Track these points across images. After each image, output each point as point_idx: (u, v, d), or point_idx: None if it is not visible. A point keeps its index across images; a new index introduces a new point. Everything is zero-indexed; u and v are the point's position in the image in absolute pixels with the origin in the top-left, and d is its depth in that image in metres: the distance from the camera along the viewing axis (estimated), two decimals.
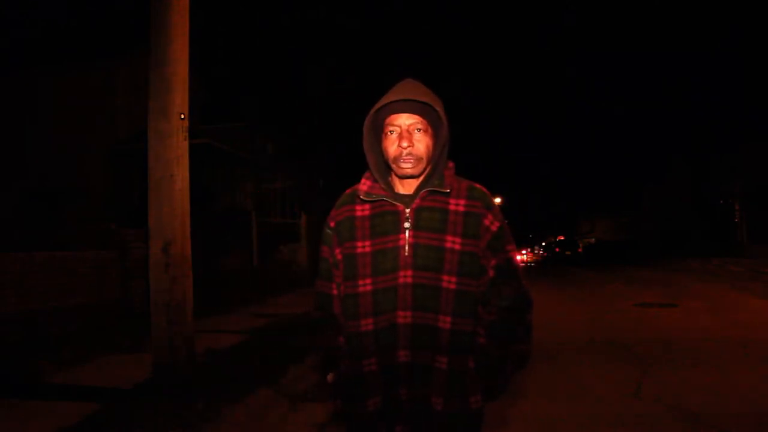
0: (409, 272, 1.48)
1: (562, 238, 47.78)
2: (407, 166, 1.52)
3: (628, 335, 6.55)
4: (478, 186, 1.61)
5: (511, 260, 1.58)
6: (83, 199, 14.54)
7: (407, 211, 1.53)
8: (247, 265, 13.79)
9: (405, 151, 1.51)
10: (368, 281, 1.51)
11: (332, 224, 1.63)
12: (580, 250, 36.76)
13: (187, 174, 4.47)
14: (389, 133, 1.55)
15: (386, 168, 1.61)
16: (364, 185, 1.61)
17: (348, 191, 1.67)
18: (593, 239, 43.82)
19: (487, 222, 1.55)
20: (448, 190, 1.55)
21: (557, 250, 40.05)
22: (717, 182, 26.20)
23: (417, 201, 1.54)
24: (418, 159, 1.53)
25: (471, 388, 1.49)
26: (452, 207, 1.54)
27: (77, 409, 3.88)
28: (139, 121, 7.32)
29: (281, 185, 19.02)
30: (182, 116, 4.41)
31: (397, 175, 1.58)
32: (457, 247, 1.50)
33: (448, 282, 1.48)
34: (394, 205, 1.55)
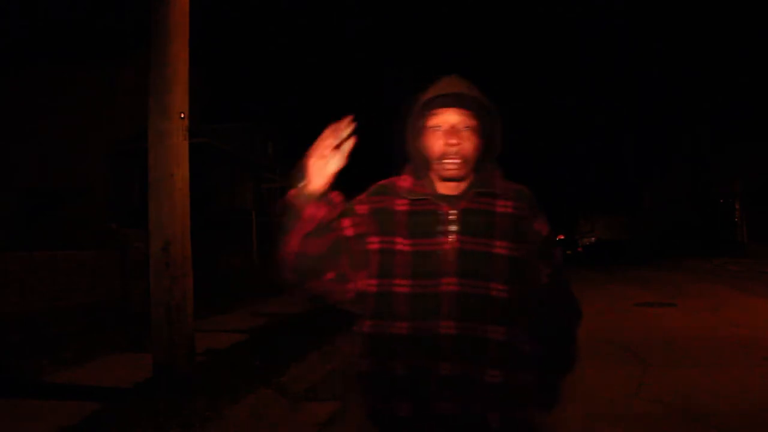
0: (454, 279, 1.34)
1: (562, 237, 47.80)
2: (452, 167, 1.39)
3: (628, 335, 6.55)
4: (523, 188, 1.49)
5: (561, 266, 1.48)
6: (83, 198, 14.54)
7: (452, 212, 1.39)
8: (247, 265, 13.79)
9: (453, 150, 1.37)
10: (406, 282, 1.36)
11: (363, 209, 1.45)
12: (579, 249, 36.77)
13: (187, 173, 4.47)
14: (433, 130, 1.41)
15: (427, 167, 1.45)
16: (405, 181, 1.46)
17: (383, 182, 1.51)
18: (593, 239, 43.83)
19: (537, 226, 1.44)
20: (498, 191, 1.43)
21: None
22: (717, 182, 26.20)
23: (463, 202, 1.40)
24: (465, 159, 1.39)
25: (527, 402, 1.39)
26: (500, 209, 1.41)
27: (77, 409, 3.88)
28: (140, 120, 7.32)
29: (281, 185, 19.02)
30: (182, 116, 4.40)
31: (438, 176, 1.43)
32: (506, 252, 1.37)
33: (498, 290, 1.34)
34: (438, 204, 1.40)
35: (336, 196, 1.40)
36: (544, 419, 1.44)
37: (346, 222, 1.44)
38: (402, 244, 1.38)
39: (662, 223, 34.18)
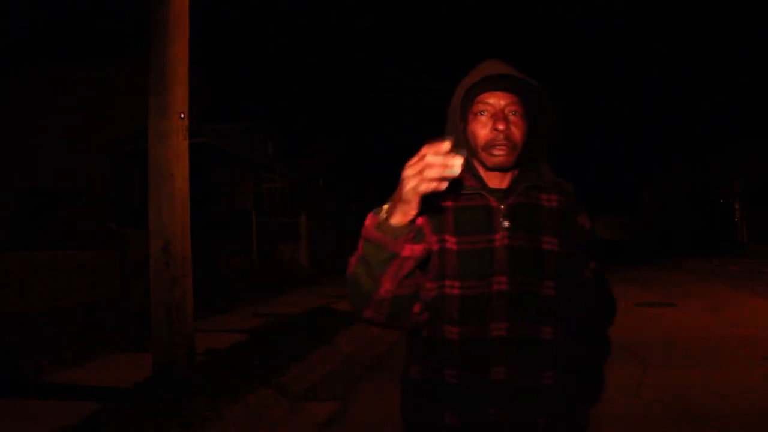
0: (504, 278, 1.27)
1: None
2: (500, 154, 1.29)
3: (628, 335, 6.54)
4: (565, 181, 1.42)
5: (603, 262, 1.44)
6: (84, 198, 14.55)
7: (502, 207, 1.31)
8: (248, 265, 13.79)
9: (501, 135, 1.28)
10: (456, 284, 1.27)
11: None
12: None
13: (187, 173, 4.47)
14: (479, 114, 1.32)
15: (471, 158, 1.35)
16: None
17: None
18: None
19: (581, 220, 1.38)
20: (548, 185, 1.36)
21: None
22: (717, 182, 26.20)
23: (512, 197, 1.32)
24: (514, 146, 1.30)
25: (577, 401, 1.36)
26: (545, 203, 1.34)
27: (77, 409, 3.88)
28: (140, 120, 7.32)
29: (281, 185, 19.03)
30: (182, 116, 4.40)
31: (483, 165, 1.34)
32: (554, 248, 1.30)
33: (549, 288, 1.29)
34: (486, 198, 1.31)
35: (419, 218, 1.15)
36: (587, 417, 1.42)
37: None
38: (449, 242, 1.29)
39: (662, 223, 34.18)
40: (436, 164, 1.01)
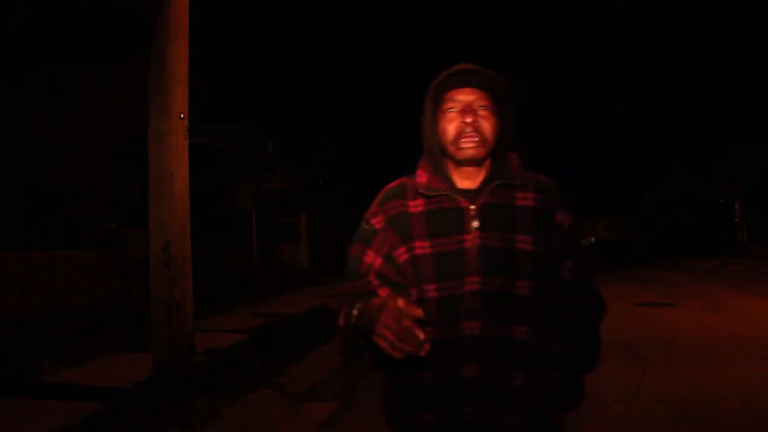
0: (477, 278, 1.27)
1: None
2: (470, 146, 1.30)
3: (628, 335, 6.54)
4: (544, 177, 1.41)
5: (585, 259, 1.40)
6: (83, 198, 14.54)
7: (472, 207, 1.31)
8: (248, 265, 13.79)
9: (468, 128, 1.30)
10: (432, 287, 1.29)
11: (377, 222, 1.36)
12: None
13: (187, 173, 4.47)
14: (448, 111, 1.34)
15: (442, 157, 1.38)
16: (421, 177, 1.37)
17: (392, 185, 1.42)
18: (593, 238, 43.82)
19: (559, 218, 1.36)
20: (520, 183, 1.35)
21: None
22: (717, 182, 26.20)
23: (483, 196, 1.32)
24: (483, 139, 1.31)
25: (552, 402, 1.35)
26: (520, 202, 1.34)
27: (77, 409, 3.88)
28: (140, 120, 7.32)
29: (281, 185, 19.02)
30: (182, 116, 4.40)
31: (455, 161, 1.35)
32: (529, 247, 1.30)
33: (522, 287, 1.28)
34: (456, 200, 1.32)
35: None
36: (565, 419, 1.40)
37: (360, 248, 1.37)
38: (422, 247, 1.31)
39: (662, 223, 34.17)
40: (405, 333, 1.03)
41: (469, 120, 1.30)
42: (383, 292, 1.28)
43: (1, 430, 3.68)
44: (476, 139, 1.30)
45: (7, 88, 14.98)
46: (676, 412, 3.85)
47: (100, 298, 7.89)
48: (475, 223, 1.30)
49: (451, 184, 1.36)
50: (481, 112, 1.32)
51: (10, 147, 14.75)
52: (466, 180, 1.36)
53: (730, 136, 24.91)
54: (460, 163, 1.35)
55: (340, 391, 4.69)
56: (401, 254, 1.32)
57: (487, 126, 1.32)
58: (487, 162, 1.37)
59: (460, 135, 1.31)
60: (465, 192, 1.34)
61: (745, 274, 14.36)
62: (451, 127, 1.33)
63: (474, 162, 1.34)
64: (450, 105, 1.34)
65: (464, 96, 1.33)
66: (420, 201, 1.34)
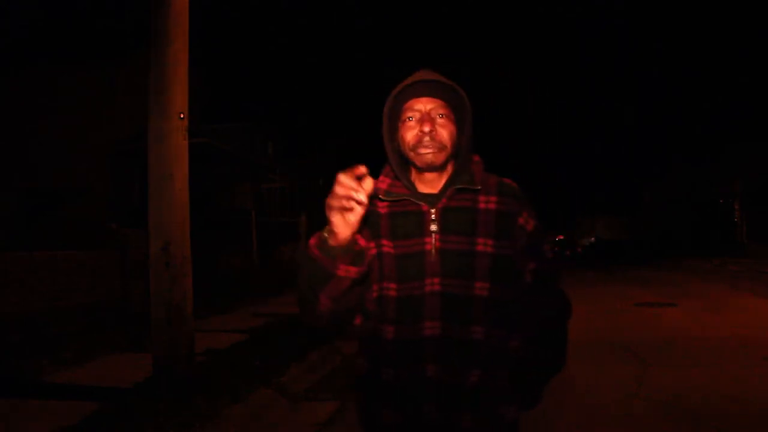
0: (437, 279, 1.31)
1: (562, 237, 47.81)
2: (428, 152, 1.34)
3: (628, 335, 6.55)
4: (508, 181, 1.44)
5: (549, 263, 1.42)
6: (83, 198, 14.55)
7: (432, 211, 1.36)
8: (248, 265, 13.79)
9: (426, 137, 1.34)
10: (392, 285, 1.34)
11: None
12: (579, 250, 36.75)
13: (186, 173, 4.47)
14: (407, 120, 1.37)
15: (405, 164, 1.42)
16: (382, 183, 1.41)
17: None
18: (593, 239, 43.83)
19: (521, 221, 1.38)
20: (479, 187, 1.38)
21: (557, 249, 40.01)
22: (717, 182, 26.20)
23: (444, 200, 1.36)
24: (441, 146, 1.34)
25: (505, 401, 1.36)
26: (482, 205, 1.37)
27: (77, 409, 3.88)
28: (140, 120, 7.32)
29: (281, 185, 19.02)
30: (182, 116, 4.40)
31: (416, 167, 1.39)
32: (489, 250, 1.33)
33: (480, 289, 1.32)
34: (417, 204, 1.37)
35: (361, 239, 1.26)
36: (517, 418, 1.40)
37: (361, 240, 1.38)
38: (387, 246, 1.36)
39: (662, 223, 34.18)
40: (344, 188, 1.10)
41: (427, 129, 1.33)
42: None
43: (1, 430, 3.68)
44: (433, 146, 1.34)
45: (7, 88, 14.98)
46: (676, 412, 3.85)
47: (100, 298, 7.89)
48: (434, 227, 1.34)
49: (413, 189, 1.39)
50: (440, 120, 1.36)
51: (10, 147, 14.75)
52: (428, 185, 1.41)
53: (730, 136, 24.95)
54: (422, 169, 1.38)
55: (340, 391, 4.69)
56: (371, 248, 1.35)
57: (445, 133, 1.35)
58: (449, 167, 1.41)
59: (418, 143, 1.34)
60: (425, 196, 1.38)
61: (745, 274, 14.36)
62: (410, 135, 1.36)
63: (434, 168, 1.37)
64: (409, 114, 1.37)
65: (422, 105, 1.37)
66: (386, 204, 1.39)
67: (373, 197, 1.34)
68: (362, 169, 1.12)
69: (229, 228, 13.31)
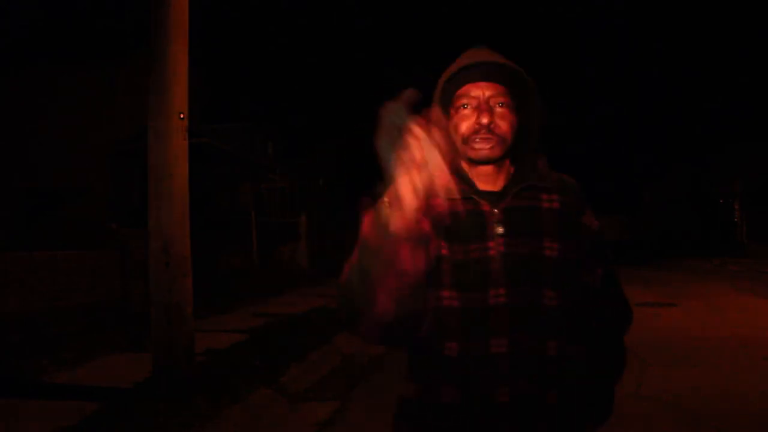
0: (502, 290, 1.13)
1: None
2: (484, 147, 1.16)
3: (628, 335, 6.54)
4: (567, 177, 1.28)
5: (613, 265, 1.29)
6: (83, 198, 14.56)
7: (495, 211, 1.17)
8: (247, 265, 13.79)
9: (484, 129, 1.15)
10: (454, 295, 1.14)
11: None
12: None
13: (186, 173, 4.47)
14: (462, 108, 1.18)
15: (456, 158, 1.20)
16: (440, 177, 1.21)
17: None
18: None
19: (586, 221, 1.24)
20: (548, 185, 1.21)
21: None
22: (717, 182, 26.21)
23: (507, 199, 1.19)
24: (501, 139, 1.16)
25: (583, 418, 1.22)
26: (545, 204, 1.20)
27: (77, 409, 3.88)
28: (140, 120, 7.33)
29: (281, 185, 19.03)
30: (182, 116, 4.40)
31: (470, 160, 1.20)
32: (556, 254, 1.17)
33: (550, 299, 1.15)
34: (478, 203, 1.18)
35: (425, 223, 0.95)
36: None
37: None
38: (444, 248, 1.15)
39: (662, 223, 34.18)
40: (420, 133, 0.84)
41: (485, 121, 1.15)
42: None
43: (1, 430, 3.68)
44: (492, 139, 1.16)
45: (7, 88, 14.99)
46: (676, 412, 3.85)
47: (100, 298, 7.89)
48: (500, 229, 1.16)
49: (473, 186, 1.21)
50: (499, 110, 1.17)
51: (10, 147, 14.76)
52: (486, 181, 1.23)
53: (730, 136, 24.95)
54: (476, 162, 1.21)
55: (340, 391, 4.69)
56: (433, 249, 1.10)
57: (505, 125, 1.17)
58: (507, 162, 1.24)
59: (473, 135, 1.17)
60: (487, 194, 1.20)
61: (745, 274, 14.35)
62: (464, 125, 1.18)
63: (490, 161, 1.20)
64: (464, 101, 1.18)
65: (480, 91, 1.17)
66: (439, 200, 1.15)
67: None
68: (413, 97, 0.86)
69: (229, 228, 13.32)
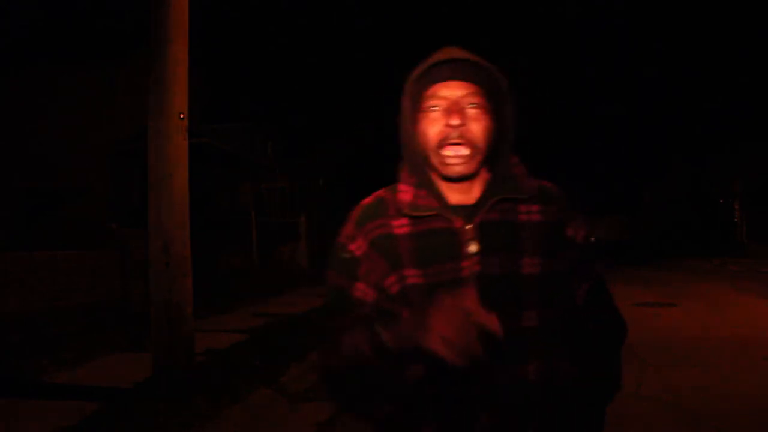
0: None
1: None
2: (456, 161, 1.06)
3: (628, 335, 6.54)
4: (548, 184, 1.17)
5: (603, 280, 1.19)
6: (83, 198, 14.56)
7: (468, 228, 1.07)
8: (248, 265, 13.80)
9: (455, 133, 1.04)
10: None
11: (358, 248, 1.11)
12: None
13: (186, 173, 4.47)
14: (430, 110, 1.07)
15: (426, 166, 1.11)
16: (405, 193, 1.11)
17: (369, 200, 1.16)
18: (593, 238, 43.76)
19: (570, 232, 1.13)
20: (526, 196, 1.10)
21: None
22: (717, 182, 26.21)
23: (481, 214, 1.08)
24: (474, 149, 1.06)
25: None
26: (523, 217, 1.10)
27: (77, 409, 3.88)
28: (140, 120, 7.33)
29: (281, 185, 19.03)
30: (182, 116, 4.40)
31: (440, 175, 1.10)
32: (536, 270, 1.07)
33: (530, 319, 1.06)
34: (448, 220, 1.08)
35: (360, 285, 1.09)
36: None
37: (344, 280, 1.12)
38: (413, 276, 1.07)
39: (662, 223, 34.19)
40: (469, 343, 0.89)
41: (455, 122, 1.04)
42: (405, 313, 1.02)
43: (1, 430, 3.68)
44: (464, 150, 1.06)
45: (7, 88, 14.99)
46: (676, 412, 3.85)
47: (100, 298, 7.89)
48: (473, 248, 1.06)
49: (442, 200, 1.11)
50: (472, 111, 1.06)
51: (10, 147, 14.75)
52: (459, 191, 1.12)
53: (730, 136, 24.94)
54: (445, 177, 1.10)
55: None
56: (393, 284, 1.08)
57: (478, 130, 1.06)
58: (483, 170, 1.13)
59: (443, 141, 1.06)
60: (459, 209, 1.10)
61: (745, 274, 14.35)
62: (432, 130, 1.07)
63: (462, 179, 1.10)
64: (433, 102, 1.07)
65: (450, 91, 1.07)
66: (405, 220, 1.09)
67: (380, 215, 1.12)
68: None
69: (229, 228, 13.32)
